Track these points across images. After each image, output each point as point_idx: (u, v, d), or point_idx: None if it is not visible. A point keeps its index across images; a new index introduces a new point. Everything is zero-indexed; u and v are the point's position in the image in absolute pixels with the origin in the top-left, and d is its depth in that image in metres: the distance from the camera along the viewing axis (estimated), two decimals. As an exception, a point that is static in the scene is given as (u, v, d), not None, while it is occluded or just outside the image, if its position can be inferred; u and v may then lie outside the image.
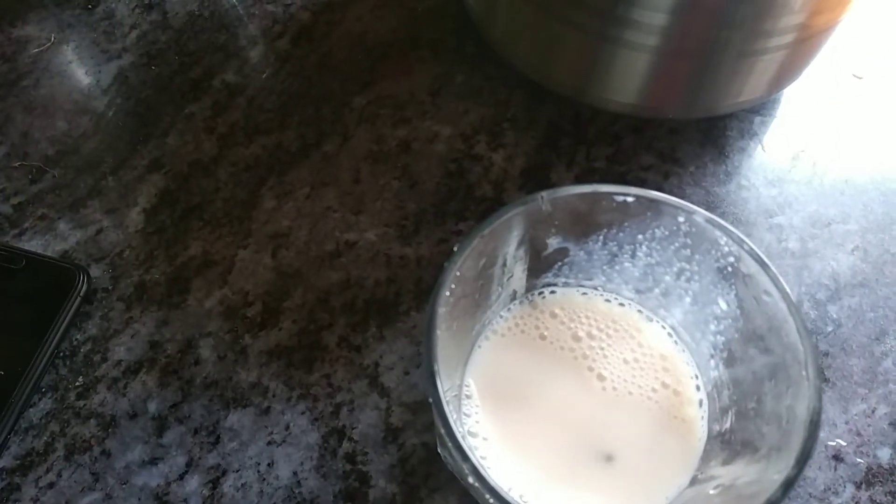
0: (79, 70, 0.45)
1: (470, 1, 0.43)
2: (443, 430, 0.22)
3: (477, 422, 0.27)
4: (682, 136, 0.43)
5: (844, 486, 0.33)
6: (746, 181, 0.41)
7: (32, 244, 0.38)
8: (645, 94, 0.38)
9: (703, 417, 0.28)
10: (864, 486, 0.33)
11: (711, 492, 0.25)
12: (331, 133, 0.42)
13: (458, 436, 0.21)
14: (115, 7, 0.47)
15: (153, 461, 0.33)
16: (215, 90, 0.44)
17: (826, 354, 0.36)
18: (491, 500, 0.21)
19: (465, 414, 0.27)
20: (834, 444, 0.34)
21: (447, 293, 0.24)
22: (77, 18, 0.47)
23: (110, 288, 0.37)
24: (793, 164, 0.42)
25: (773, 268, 0.25)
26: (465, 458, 0.21)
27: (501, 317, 0.30)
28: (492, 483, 0.21)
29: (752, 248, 0.25)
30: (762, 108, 0.44)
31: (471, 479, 0.22)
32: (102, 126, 0.43)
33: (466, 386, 0.29)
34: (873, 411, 0.35)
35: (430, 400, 0.22)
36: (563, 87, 0.41)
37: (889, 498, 0.33)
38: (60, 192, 0.40)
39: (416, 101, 0.44)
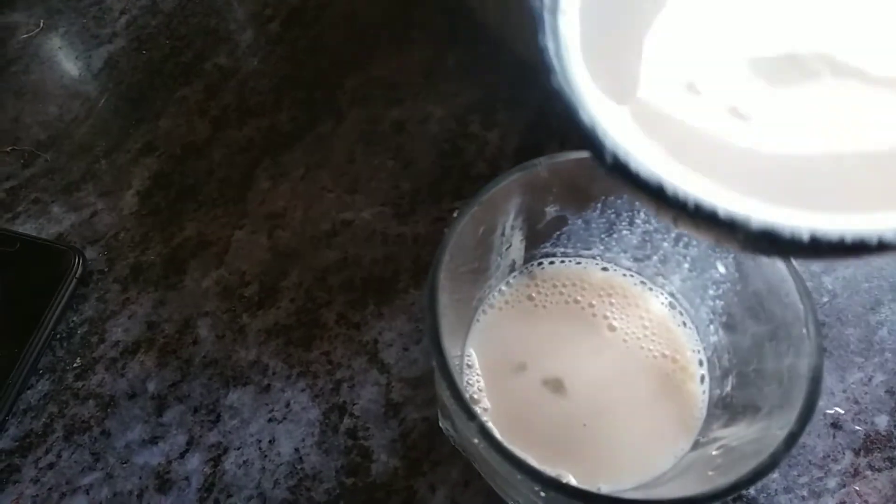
0: (69, 55, 0.45)
1: (461, -20, 0.43)
2: (448, 392, 0.22)
3: (479, 390, 0.27)
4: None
5: (843, 453, 0.33)
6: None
7: (26, 228, 0.38)
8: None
9: (704, 391, 0.28)
10: (862, 452, 0.33)
11: (714, 453, 0.25)
12: (324, 114, 0.42)
13: (464, 395, 0.21)
14: (105, -8, 0.47)
15: (153, 440, 0.33)
16: (207, 73, 0.44)
17: (822, 325, 0.37)
18: (498, 459, 0.21)
19: (468, 384, 0.27)
20: (832, 412, 0.34)
21: (448, 258, 0.24)
22: (66, 4, 0.46)
23: (106, 270, 0.37)
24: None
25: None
26: (472, 416, 0.21)
27: (500, 290, 0.30)
28: (498, 439, 0.21)
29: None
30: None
31: (476, 440, 0.22)
32: (94, 110, 0.42)
33: (468, 356, 0.29)
34: (870, 379, 0.35)
35: (434, 363, 0.22)
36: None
37: (887, 464, 0.33)
38: (53, 175, 0.40)
39: (408, 82, 0.43)
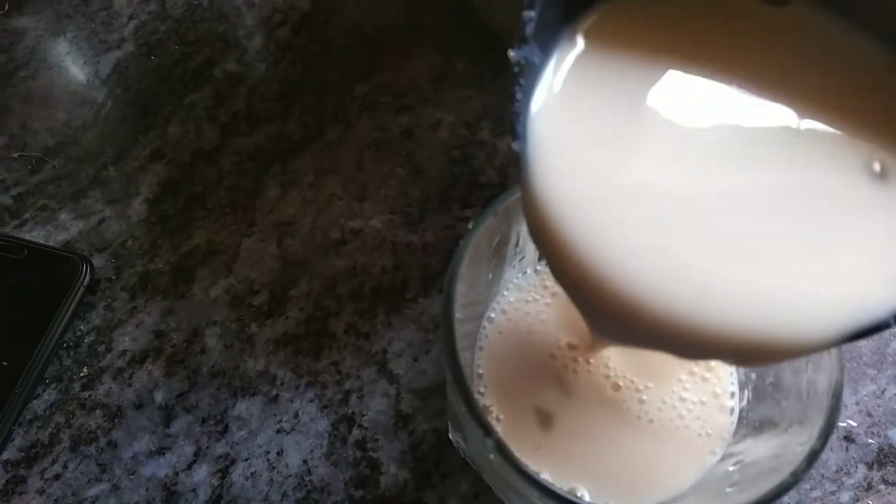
0: (77, 61, 0.44)
1: (471, -12, 0.42)
2: (464, 407, 0.21)
3: (491, 402, 0.27)
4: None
5: (856, 467, 0.33)
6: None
7: (34, 235, 0.38)
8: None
9: (733, 409, 0.27)
10: (875, 465, 0.33)
11: (731, 469, 0.25)
12: (333, 121, 0.42)
13: (480, 410, 0.21)
14: (113, -2, 0.47)
15: (161, 451, 0.32)
16: (216, 80, 0.44)
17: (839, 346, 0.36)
18: (512, 474, 0.21)
19: (479, 393, 0.27)
20: (845, 424, 0.34)
21: (463, 270, 0.24)
22: (75, 9, 0.46)
23: (114, 278, 0.37)
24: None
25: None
26: (488, 432, 0.21)
27: (513, 299, 0.30)
28: (514, 455, 0.20)
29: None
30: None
31: (491, 456, 0.21)
32: (102, 116, 0.42)
33: (478, 366, 0.28)
34: (883, 392, 0.35)
35: (449, 377, 0.22)
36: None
37: (902, 477, 0.33)
38: (61, 182, 0.40)
39: (417, 89, 0.43)
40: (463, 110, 0.42)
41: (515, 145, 0.17)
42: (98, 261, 0.37)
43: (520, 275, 0.30)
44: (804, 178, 0.16)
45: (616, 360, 0.27)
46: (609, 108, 0.17)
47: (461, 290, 0.24)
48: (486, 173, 0.40)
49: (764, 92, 0.17)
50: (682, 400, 0.27)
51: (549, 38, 0.18)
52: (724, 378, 0.27)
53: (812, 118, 0.17)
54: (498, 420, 0.27)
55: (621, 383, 0.27)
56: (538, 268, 0.30)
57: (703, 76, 0.17)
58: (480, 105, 0.43)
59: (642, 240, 0.15)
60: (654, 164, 0.16)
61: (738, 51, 0.18)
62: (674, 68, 0.17)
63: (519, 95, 0.17)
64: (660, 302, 0.15)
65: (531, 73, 0.17)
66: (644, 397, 0.27)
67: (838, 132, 0.17)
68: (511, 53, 0.17)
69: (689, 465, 0.26)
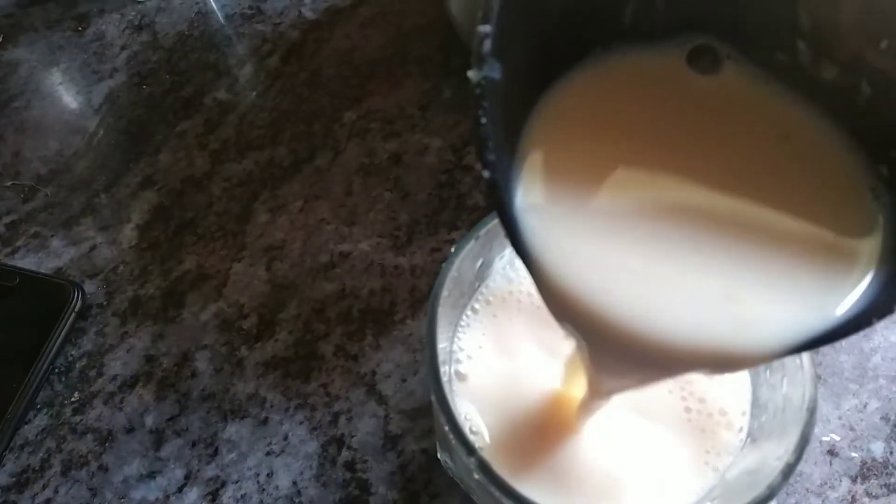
0: (70, 90, 0.45)
1: (456, 16, 0.43)
2: (447, 427, 0.22)
3: (477, 422, 0.27)
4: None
5: (840, 480, 0.33)
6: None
7: (26, 262, 0.38)
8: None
9: (741, 428, 0.26)
10: (859, 479, 0.33)
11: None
12: (322, 147, 0.43)
13: (463, 429, 0.21)
14: (106, 29, 0.48)
15: (151, 475, 0.33)
16: (207, 108, 0.44)
17: (816, 352, 0.37)
18: (498, 494, 0.21)
19: (466, 417, 0.27)
20: (828, 439, 0.34)
21: (445, 293, 0.25)
22: (67, 40, 0.47)
23: (105, 303, 0.37)
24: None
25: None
26: (471, 451, 0.21)
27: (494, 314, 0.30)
28: (498, 475, 0.21)
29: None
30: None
31: (476, 476, 0.22)
32: (94, 145, 0.43)
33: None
34: (865, 406, 0.35)
35: (433, 397, 0.22)
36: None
37: (884, 490, 0.33)
38: (53, 210, 0.40)
39: (405, 115, 0.44)
40: (450, 135, 0.43)
41: (486, 173, 0.17)
42: (89, 287, 0.37)
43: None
44: (742, 228, 0.19)
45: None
46: (585, 203, 0.20)
47: (444, 314, 0.24)
48: (474, 196, 0.41)
49: (704, 163, 0.20)
50: (688, 411, 0.27)
51: (511, 53, 0.18)
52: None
53: (744, 180, 0.20)
54: (485, 439, 0.27)
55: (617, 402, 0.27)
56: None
57: (652, 158, 0.20)
58: (467, 130, 0.43)
59: (633, 289, 0.19)
60: (628, 236, 0.19)
61: (679, 128, 0.20)
62: (625, 159, 0.20)
63: (484, 120, 0.17)
64: (655, 330, 0.18)
65: (495, 93, 0.17)
66: (643, 419, 0.27)
67: (765, 187, 0.20)
68: (470, 74, 0.17)
69: (686, 491, 0.26)
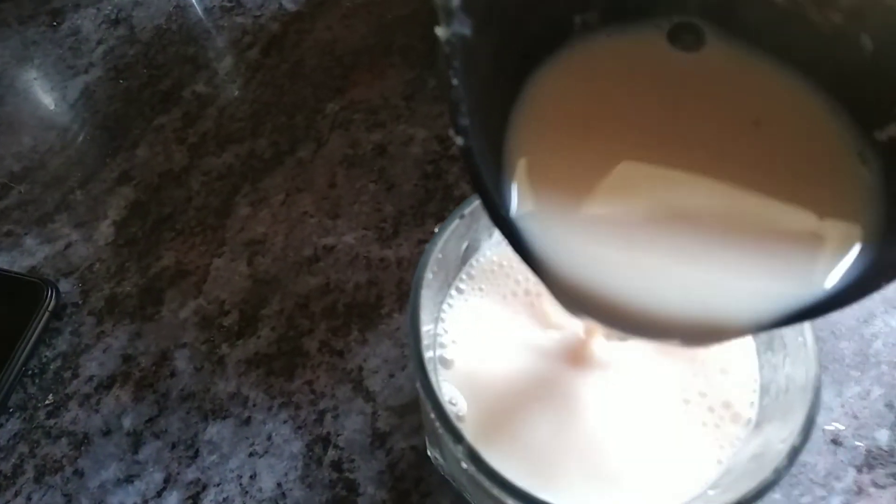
0: (44, 86, 0.44)
1: (439, 5, 0.42)
2: (433, 414, 0.21)
3: (464, 409, 0.26)
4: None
5: (846, 471, 0.32)
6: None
7: (-2, 261, 0.37)
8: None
9: (750, 420, 0.25)
10: (865, 469, 0.32)
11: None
12: (304, 139, 0.42)
13: (450, 417, 0.20)
14: (81, 23, 0.47)
15: (129, 479, 0.31)
16: (185, 101, 0.43)
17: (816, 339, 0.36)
18: (487, 484, 0.20)
19: (451, 403, 0.26)
20: (832, 428, 0.33)
21: (430, 276, 0.23)
22: (42, 35, 0.46)
23: (80, 302, 0.36)
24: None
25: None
26: (459, 438, 0.20)
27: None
28: (487, 463, 0.20)
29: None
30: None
31: (465, 465, 0.21)
32: (69, 141, 0.42)
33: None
34: (868, 393, 0.34)
35: (418, 384, 0.21)
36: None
37: (891, 479, 0.32)
38: (27, 207, 0.39)
39: (389, 106, 0.43)
40: (435, 125, 0.42)
41: (459, 140, 0.16)
42: (65, 285, 0.36)
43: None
44: (724, 209, 0.19)
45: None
46: (578, 202, 0.19)
47: (428, 298, 0.23)
48: (461, 187, 0.40)
49: (691, 145, 0.20)
50: (686, 402, 0.25)
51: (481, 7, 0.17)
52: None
53: (731, 158, 0.20)
54: (473, 427, 0.26)
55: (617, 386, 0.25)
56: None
57: (637, 147, 0.20)
58: (453, 119, 0.42)
59: (635, 275, 0.19)
60: (626, 228, 0.19)
61: (663, 113, 0.20)
62: (611, 151, 0.20)
63: (455, 81, 0.15)
64: (658, 308, 0.18)
65: (465, 51, 0.16)
66: (644, 407, 0.25)
67: (751, 163, 0.19)
68: (439, 31, 0.16)
69: (692, 480, 0.24)
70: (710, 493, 0.22)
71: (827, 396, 0.34)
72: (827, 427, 0.33)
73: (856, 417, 0.34)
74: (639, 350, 0.25)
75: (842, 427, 0.33)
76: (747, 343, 0.26)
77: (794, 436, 0.21)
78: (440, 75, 0.16)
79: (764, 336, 0.25)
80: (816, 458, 0.33)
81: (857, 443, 0.33)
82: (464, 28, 0.16)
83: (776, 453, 0.21)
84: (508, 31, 0.19)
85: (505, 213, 0.18)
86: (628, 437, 0.24)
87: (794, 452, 0.20)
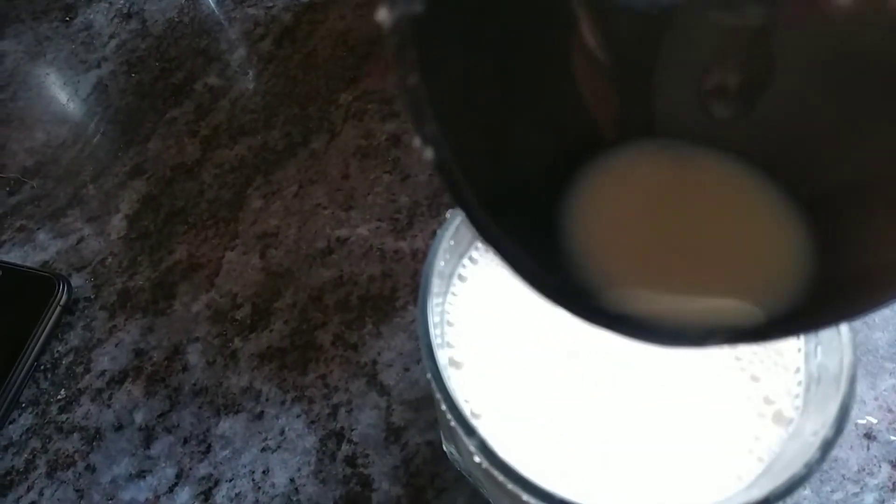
0: (57, 81, 0.44)
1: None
2: (444, 406, 0.20)
3: (480, 400, 0.25)
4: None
5: (879, 466, 0.31)
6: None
7: (11, 256, 0.37)
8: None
9: (797, 400, 0.23)
10: (900, 464, 0.31)
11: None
12: (317, 131, 0.41)
13: (462, 408, 0.19)
14: (94, 18, 0.46)
15: (141, 474, 0.31)
16: (197, 94, 0.43)
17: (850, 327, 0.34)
18: (501, 479, 0.19)
19: (463, 389, 0.25)
20: (864, 421, 0.32)
21: (441, 263, 0.22)
22: (55, 31, 0.46)
23: (92, 297, 0.35)
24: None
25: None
26: (471, 431, 0.19)
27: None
28: (501, 458, 0.19)
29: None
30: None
31: (477, 459, 0.20)
32: (82, 136, 0.41)
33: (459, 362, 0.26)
34: (903, 386, 0.33)
35: (429, 374, 0.20)
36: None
37: (928, 475, 0.31)
38: (39, 202, 0.39)
39: (404, 95, 0.42)
40: (450, 114, 0.41)
41: (427, 153, 0.12)
42: (76, 280, 0.36)
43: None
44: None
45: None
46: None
47: (439, 285, 0.22)
48: (476, 176, 0.39)
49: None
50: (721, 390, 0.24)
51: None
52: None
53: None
54: (488, 420, 0.25)
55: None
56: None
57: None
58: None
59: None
60: None
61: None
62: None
63: (413, 79, 0.12)
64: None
65: (425, 34, 0.13)
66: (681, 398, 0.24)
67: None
68: (380, 16, 0.12)
69: (730, 477, 0.23)
70: (753, 493, 0.20)
71: (860, 389, 0.33)
72: (860, 421, 0.32)
73: (890, 411, 0.32)
74: None
75: (875, 421, 0.32)
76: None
77: (826, 428, 0.19)
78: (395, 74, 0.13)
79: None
80: (848, 452, 0.31)
81: (892, 437, 0.32)
82: (413, 6, 0.12)
83: (807, 446, 0.19)
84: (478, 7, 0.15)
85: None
86: (658, 430, 0.22)
87: (827, 445, 0.19)
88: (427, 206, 0.38)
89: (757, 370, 0.23)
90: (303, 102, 0.42)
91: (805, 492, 0.30)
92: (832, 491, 0.30)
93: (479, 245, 0.26)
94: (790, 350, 0.23)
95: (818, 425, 0.20)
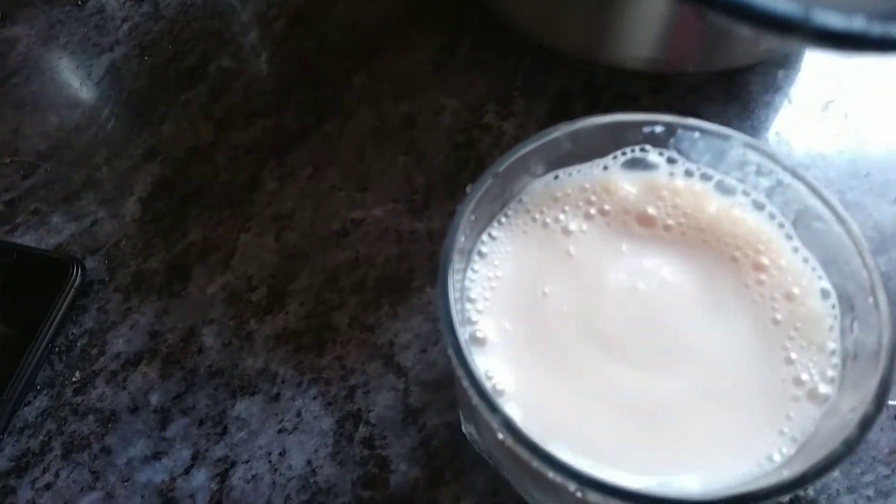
0: (70, 65, 0.43)
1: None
2: (466, 382, 0.19)
3: (502, 376, 0.24)
4: (702, 94, 0.40)
5: (911, 448, 0.30)
6: (775, 136, 0.39)
7: (26, 239, 0.36)
8: (662, 45, 0.36)
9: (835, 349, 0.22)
10: (932, 446, 0.30)
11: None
12: (332, 112, 0.40)
13: (485, 384, 0.19)
14: (106, 1, 0.46)
15: (156, 456, 0.30)
16: (211, 76, 0.42)
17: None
18: (525, 458, 0.18)
19: (487, 373, 0.24)
20: (895, 403, 0.31)
21: (462, 238, 0.22)
22: (67, 15, 0.45)
23: (107, 279, 0.35)
24: (822, 116, 0.40)
25: (823, 189, 0.22)
26: (495, 408, 0.18)
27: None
28: (525, 434, 0.18)
29: (795, 171, 0.22)
30: (785, 61, 0.42)
31: (501, 436, 0.19)
32: (95, 119, 0.41)
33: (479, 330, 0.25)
34: (935, 367, 0.32)
35: (450, 349, 0.20)
36: (575, 48, 0.38)
37: (962, 458, 0.30)
38: (53, 185, 0.38)
39: (418, 75, 0.41)
40: (467, 94, 0.41)
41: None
42: (91, 262, 0.36)
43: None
44: None
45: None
46: None
47: (459, 258, 0.22)
48: (493, 156, 0.38)
49: None
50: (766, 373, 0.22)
51: None
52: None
53: None
54: (512, 399, 0.24)
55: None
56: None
57: None
58: (484, 88, 0.41)
59: None
60: None
61: None
62: None
63: None
64: None
65: None
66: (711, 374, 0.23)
67: None
68: None
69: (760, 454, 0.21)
70: (785, 473, 0.20)
71: (890, 370, 0.32)
72: (892, 402, 0.31)
73: (922, 392, 0.31)
74: (703, 305, 0.23)
75: (906, 402, 0.31)
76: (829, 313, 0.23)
77: (866, 403, 0.19)
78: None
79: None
80: (879, 434, 0.31)
81: (924, 419, 0.31)
82: None
83: (846, 422, 0.19)
84: None
85: None
86: (687, 410, 0.21)
87: (867, 421, 0.18)
88: (443, 186, 0.37)
89: (788, 346, 0.22)
90: (317, 84, 0.41)
91: (835, 474, 0.30)
92: (862, 473, 0.30)
93: (501, 220, 0.25)
94: (823, 327, 0.23)
95: (856, 401, 0.19)
